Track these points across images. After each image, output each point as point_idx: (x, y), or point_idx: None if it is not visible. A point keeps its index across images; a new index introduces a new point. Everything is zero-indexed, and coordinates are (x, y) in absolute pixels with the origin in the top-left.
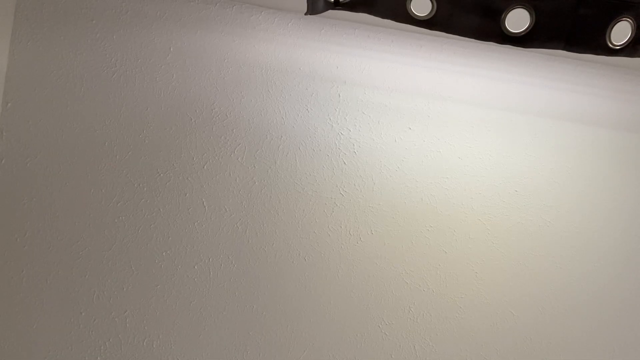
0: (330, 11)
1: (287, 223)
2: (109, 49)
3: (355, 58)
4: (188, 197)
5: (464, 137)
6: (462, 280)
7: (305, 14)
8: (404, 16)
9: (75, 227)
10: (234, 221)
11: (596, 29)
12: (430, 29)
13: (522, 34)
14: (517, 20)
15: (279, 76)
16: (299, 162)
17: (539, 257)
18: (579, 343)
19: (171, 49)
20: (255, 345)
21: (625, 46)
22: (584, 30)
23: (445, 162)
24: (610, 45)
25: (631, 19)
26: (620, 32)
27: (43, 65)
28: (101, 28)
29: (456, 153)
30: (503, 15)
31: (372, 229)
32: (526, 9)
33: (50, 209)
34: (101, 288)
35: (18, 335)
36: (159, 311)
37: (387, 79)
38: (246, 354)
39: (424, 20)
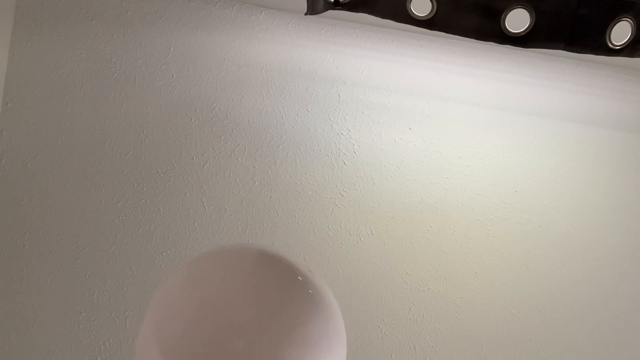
0: (330, 11)
1: (287, 223)
2: (109, 49)
3: (355, 58)
4: (188, 197)
5: (464, 137)
6: (462, 280)
7: (305, 14)
8: (404, 16)
9: (75, 227)
10: (234, 221)
11: (596, 29)
12: (430, 29)
13: (522, 34)
14: (517, 20)
15: (279, 76)
16: (299, 162)
17: (539, 257)
18: (580, 343)
19: (171, 49)
20: None
21: (625, 46)
22: (584, 30)
23: (445, 162)
24: (610, 45)
25: (631, 19)
26: (620, 32)
27: (43, 65)
28: (101, 28)
29: (456, 153)
30: (503, 15)
31: (372, 229)
32: (526, 9)
33: (50, 209)
34: (101, 288)
35: (18, 335)
36: None
37: (387, 79)
38: None
39: (424, 20)
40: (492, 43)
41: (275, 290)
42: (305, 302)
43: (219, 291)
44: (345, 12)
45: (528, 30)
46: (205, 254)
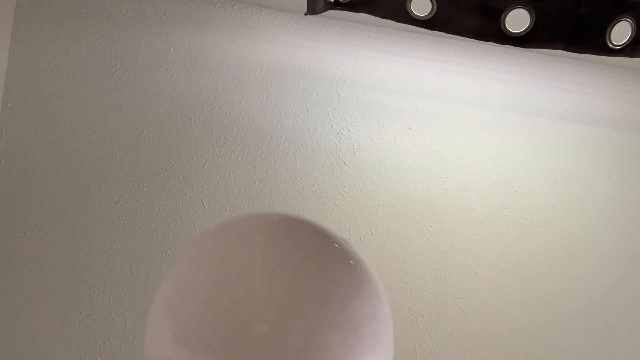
0: (330, 11)
1: None
2: (109, 49)
3: (355, 58)
4: (188, 197)
5: (464, 137)
6: (462, 280)
7: (305, 14)
8: (404, 16)
9: (75, 227)
10: None
11: (596, 29)
12: (430, 29)
13: (522, 34)
14: (517, 20)
15: (279, 76)
16: (299, 162)
17: (539, 257)
18: (580, 344)
19: (171, 49)
20: None
21: (625, 46)
22: (584, 30)
23: (445, 162)
24: (610, 45)
25: (631, 19)
26: (620, 32)
27: (43, 65)
28: (101, 28)
29: (456, 153)
30: (503, 15)
31: (372, 229)
32: (526, 9)
33: (50, 209)
34: (101, 288)
35: (18, 335)
36: None
37: (387, 79)
38: None
39: (424, 20)
40: (492, 43)
41: (309, 261)
42: (346, 275)
43: (238, 264)
44: (345, 12)
45: (528, 30)
46: (221, 224)
